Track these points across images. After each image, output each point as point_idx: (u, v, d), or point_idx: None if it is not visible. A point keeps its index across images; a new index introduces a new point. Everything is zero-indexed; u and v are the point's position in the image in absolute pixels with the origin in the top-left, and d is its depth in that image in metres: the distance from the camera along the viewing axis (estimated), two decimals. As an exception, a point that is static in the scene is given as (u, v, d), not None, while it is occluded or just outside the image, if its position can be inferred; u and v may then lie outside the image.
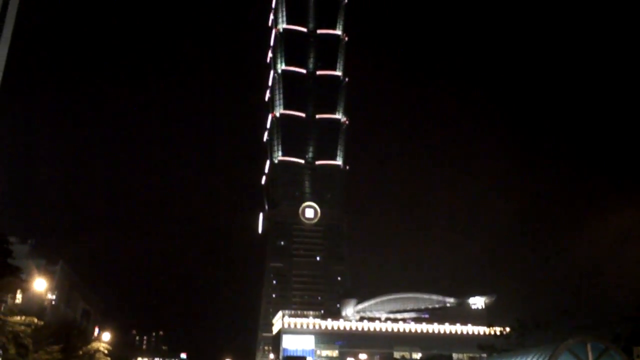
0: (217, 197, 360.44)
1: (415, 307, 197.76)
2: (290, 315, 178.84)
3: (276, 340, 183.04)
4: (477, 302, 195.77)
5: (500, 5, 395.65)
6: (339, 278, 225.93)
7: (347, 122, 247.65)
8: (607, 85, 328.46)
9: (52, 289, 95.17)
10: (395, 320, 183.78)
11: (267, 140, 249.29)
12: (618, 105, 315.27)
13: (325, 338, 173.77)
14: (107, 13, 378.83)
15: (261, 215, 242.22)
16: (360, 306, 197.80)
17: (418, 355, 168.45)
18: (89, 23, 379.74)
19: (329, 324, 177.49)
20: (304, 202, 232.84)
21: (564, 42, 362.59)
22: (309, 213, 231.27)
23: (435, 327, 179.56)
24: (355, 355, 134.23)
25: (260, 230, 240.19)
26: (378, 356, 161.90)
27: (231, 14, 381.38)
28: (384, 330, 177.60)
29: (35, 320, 52.45)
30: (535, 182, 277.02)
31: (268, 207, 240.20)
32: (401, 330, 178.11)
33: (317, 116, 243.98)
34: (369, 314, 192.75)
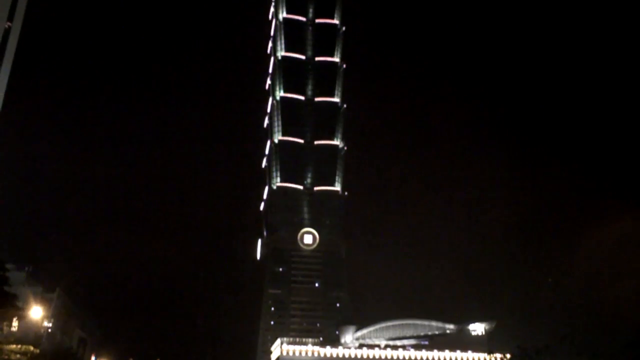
0: (215, 224, 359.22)
1: (415, 334, 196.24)
2: (289, 342, 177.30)
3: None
4: (477, 328, 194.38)
5: (496, 23, 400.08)
6: (337, 304, 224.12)
7: (345, 148, 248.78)
8: (608, 92, 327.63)
9: (48, 317, 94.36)
10: (395, 347, 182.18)
11: (265, 166, 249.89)
12: (621, 114, 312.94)
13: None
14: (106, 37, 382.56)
15: (259, 241, 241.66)
16: (359, 333, 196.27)
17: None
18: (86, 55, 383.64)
19: (328, 351, 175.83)
20: (303, 228, 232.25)
21: (565, 45, 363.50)
22: (308, 239, 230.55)
23: (435, 354, 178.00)
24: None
25: (258, 256, 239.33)
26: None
27: (231, 40, 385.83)
28: (383, 357, 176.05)
29: (32, 348, 52.24)
30: (533, 204, 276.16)
31: (266, 233, 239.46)
32: (401, 357, 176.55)
33: (316, 142, 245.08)
34: (368, 341, 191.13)
